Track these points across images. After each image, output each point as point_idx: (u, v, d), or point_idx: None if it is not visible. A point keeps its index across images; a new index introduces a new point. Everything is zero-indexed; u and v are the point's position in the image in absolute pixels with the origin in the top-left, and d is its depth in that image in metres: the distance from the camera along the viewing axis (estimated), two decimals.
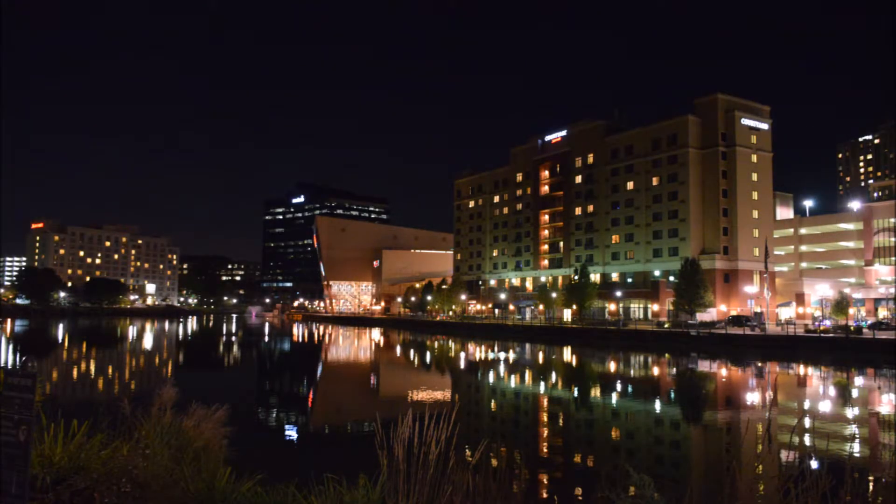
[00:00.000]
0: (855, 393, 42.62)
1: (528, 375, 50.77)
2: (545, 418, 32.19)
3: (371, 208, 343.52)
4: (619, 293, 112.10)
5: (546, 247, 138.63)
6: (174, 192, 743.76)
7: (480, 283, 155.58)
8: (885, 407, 35.65)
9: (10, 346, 71.08)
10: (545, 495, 17.09)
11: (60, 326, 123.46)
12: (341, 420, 31.24)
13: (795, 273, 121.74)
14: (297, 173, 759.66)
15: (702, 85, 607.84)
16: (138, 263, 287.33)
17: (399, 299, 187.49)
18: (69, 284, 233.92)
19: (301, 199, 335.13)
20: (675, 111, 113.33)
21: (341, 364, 63.77)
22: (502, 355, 70.94)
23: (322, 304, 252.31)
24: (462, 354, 73.41)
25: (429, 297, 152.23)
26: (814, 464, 19.01)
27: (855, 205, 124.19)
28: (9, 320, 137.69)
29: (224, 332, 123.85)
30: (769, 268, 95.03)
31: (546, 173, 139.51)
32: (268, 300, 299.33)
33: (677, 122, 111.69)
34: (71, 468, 8.03)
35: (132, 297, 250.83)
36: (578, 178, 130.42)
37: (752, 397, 39.12)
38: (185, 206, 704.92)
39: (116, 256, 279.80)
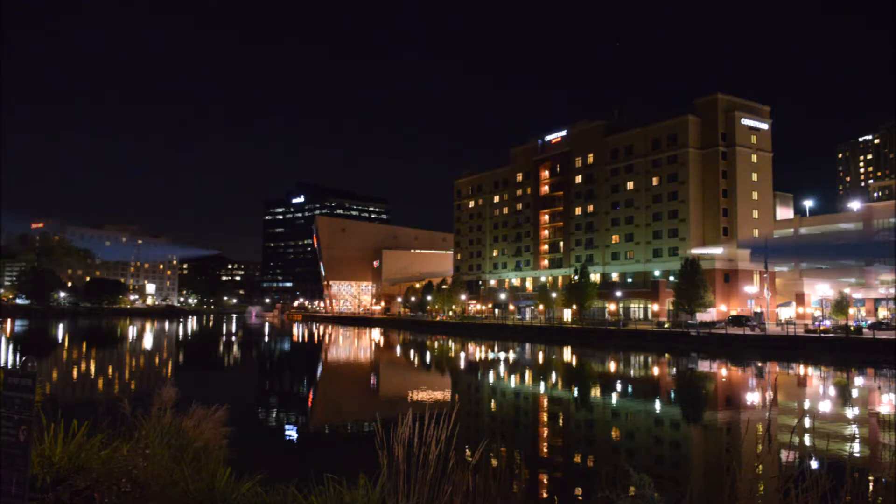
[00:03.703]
0: (855, 393, 42.62)
1: (528, 375, 50.75)
2: (545, 418, 32.18)
3: (371, 208, 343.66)
4: (619, 293, 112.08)
5: (546, 247, 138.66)
6: (174, 192, 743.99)
7: (480, 283, 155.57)
8: (885, 407, 35.65)
9: (10, 346, 71.06)
10: (545, 495, 17.09)
11: (60, 326, 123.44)
12: (341, 420, 31.23)
13: (795, 273, 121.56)
14: (297, 173, 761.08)
15: (702, 85, 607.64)
16: (138, 263, 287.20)
17: (399, 299, 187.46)
18: (69, 284, 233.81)
19: (301, 199, 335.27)
20: (675, 111, 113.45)
21: (341, 364, 63.74)
22: (502, 355, 70.93)
23: (322, 304, 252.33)
24: (462, 354, 73.39)
25: (429, 297, 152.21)
26: (814, 464, 19.02)
27: (855, 205, 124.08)
28: (9, 320, 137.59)
29: (224, 332, 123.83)
30: (769, 268, 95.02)
31: (546, 173, 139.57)
32: (268, 300, 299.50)
33: (677, 122, 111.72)
34: (71, 468, 8.03)
35: (132, 298, 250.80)
36: (578, 178, 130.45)
37: (752, 397, 39.11)
38: (185, 206, 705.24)
39: None
